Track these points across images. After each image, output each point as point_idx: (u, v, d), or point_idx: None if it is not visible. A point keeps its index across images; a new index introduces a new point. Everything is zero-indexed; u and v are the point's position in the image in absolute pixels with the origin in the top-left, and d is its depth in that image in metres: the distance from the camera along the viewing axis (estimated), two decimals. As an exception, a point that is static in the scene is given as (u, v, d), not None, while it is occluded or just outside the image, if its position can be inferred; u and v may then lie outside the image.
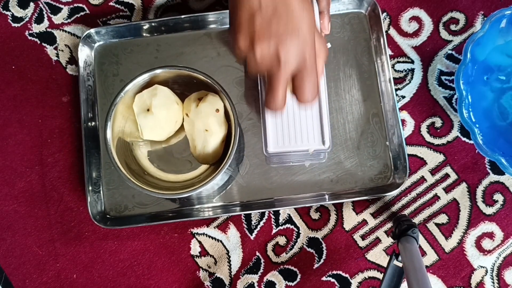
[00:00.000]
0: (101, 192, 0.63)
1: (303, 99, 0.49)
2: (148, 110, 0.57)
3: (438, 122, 0.64)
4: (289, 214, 0.63)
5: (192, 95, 0.59)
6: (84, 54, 0.65)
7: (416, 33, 0.66)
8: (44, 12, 0.69)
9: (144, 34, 0.66)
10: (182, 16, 0.65)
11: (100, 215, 0.62)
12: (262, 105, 0.58)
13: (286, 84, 0.48)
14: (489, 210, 0.62)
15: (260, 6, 0.46)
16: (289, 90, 0.50)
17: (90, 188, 0.62)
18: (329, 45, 0.58)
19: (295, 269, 0.62)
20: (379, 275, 0.62)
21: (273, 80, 0.47)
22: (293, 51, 0.46)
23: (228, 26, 0.62)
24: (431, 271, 0.62)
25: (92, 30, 0.64)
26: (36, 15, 0.69)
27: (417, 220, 0.63)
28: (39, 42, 0.68)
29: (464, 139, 0.64)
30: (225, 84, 0.58)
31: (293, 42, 0.46)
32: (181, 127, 0.61)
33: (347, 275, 0.62)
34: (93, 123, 0.64)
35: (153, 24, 0.65)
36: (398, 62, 0.66)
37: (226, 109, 0.58)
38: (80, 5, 0.69)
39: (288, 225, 0.63)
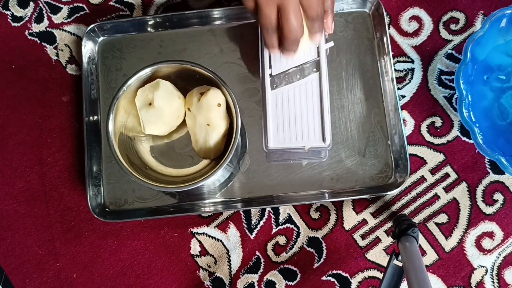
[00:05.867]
0: (101, 185, 0.63)
1: (311, 14, 0.51)
2: (150, 104, 0.57)
3: (438, 122, 0.64)
4: (289, 214, 0.63)
5: (194, 89, 0.59)
6: (88, 48, 0.65)
7: (416, 33, 0.66)
8: (44, 12, 0.69)
9: (148, 30, 0.66)
10: (186, 12, 0.65)
11: (99, 209, 0.62)
12: (263, 100, 0.58)
13: (300, 12, 0.50)
14: (489, 210, 0.62)
15: None
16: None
17: (90, 181, 0.62)
18: (332, 44, 0.58)
19: (295, 269, 0.62)
20: (379, 275, 0.62)
21: (286, 9, 0.49)
22: None
23: (232, 22, 0.65)
24: (431, 270, 0.62)
25: (96, 25, 0.64)
26: (36, 14, 0.69)
27: (417, 219, 0.63)
28: (39, 41, 0.68)
29: (464, 138, 0.64)
30: (228, 81, 0.58)
31: None
32: (183, 122, 0.61)
33: (347, 275, 0.62)
34: (95, 117, 0.64)
35: (157, 19, 0.65)
36: (398, 61, 0.66)
37: (228, 104, 0.58)
38: (80, 4, 0.69)
39: (288, 225, 0.63)
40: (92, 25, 0.64)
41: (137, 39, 0.66)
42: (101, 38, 0.66)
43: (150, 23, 0.65)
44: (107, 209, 0.62)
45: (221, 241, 0.63)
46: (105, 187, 0.63)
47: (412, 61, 0.66)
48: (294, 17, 0.50)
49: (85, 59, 0.65)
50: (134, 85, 0.58)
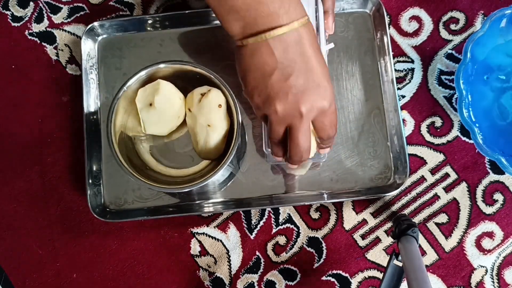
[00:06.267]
0: (101, 185, 0.63)
1: (321, 136, 0.51)
2: (150, 104, 0.57)
3: (438, 122, 0.64)
4: (289, 214, 0.63)
5: (195, 90, 0.59)
6: (87, 47, 0.65)
7: (416, 33, 0.66)
8: (44, 12, 0.69)
9: (148, 29, 0.66)
10: (187, 12, 0.65)
11: (99, 208, 0.62)
12: None
13: (310, 135, 0.50)
14: (489, 210, 0.62)
15: (277, 66, 0.46)
16: None
17: (90, 181, 0.62)
18: (332, 45, 0.58)
19: (295, 269, 0.62)
20: (379, 275, 0.62)
21: (295, 132, 0.49)
22: (314, 103, 0.47)
23: None
24: (431, 270, 0.62)
25: (96, 23, 0.64)
26: (36, 14, 0.69)
27: (417, 219, 0.63)
28: (39, 41, 0.68)
29: (464, 138, 0.64)
30: (228, 81, 0.58)
31: (314, 94, 0.47)
32: (184, 122, 0.61)
33: (347, 275, 0.62)
34: (94, 116, 0.64)
35: (157, 18, 0.65)
36: (398, 61, 0.66)
37: (228, 105, 0.58)
38: (80, 4, 0.69)
39: (288, 225, 0.63)
40: (92, 24, 0.64)
41: (137, 38, 0.66)
42: (100, 37, 0.66)
43: (150, 22, 0.65)
44: (107, 209, 0.62)
45: (221, 241, 0.63)
46: (105, 187, 0.63)
47: (412, 61, 0.65)
48: (302, 141, 0.49)
49: (84, 58, 0.65)
50: (135, 85, 0.58)
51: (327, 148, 0.54)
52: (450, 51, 0.65)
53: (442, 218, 0.62)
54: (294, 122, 0.48)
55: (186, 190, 0.56)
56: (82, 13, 0.69)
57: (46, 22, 0.68)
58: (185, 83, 0.60)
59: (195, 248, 0.63)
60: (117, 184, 0.63)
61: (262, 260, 0.63)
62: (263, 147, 0.57)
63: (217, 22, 0.65)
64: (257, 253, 0.63)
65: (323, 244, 0.63)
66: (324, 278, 0.62)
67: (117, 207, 0.63)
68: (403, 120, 0.64)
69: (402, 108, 0.65)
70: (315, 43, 0.48)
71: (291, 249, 0.63)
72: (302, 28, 0.46)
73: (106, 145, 0.62)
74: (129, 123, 0.60)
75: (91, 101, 0.64)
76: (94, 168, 0.62)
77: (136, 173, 0.56)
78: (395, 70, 0.65)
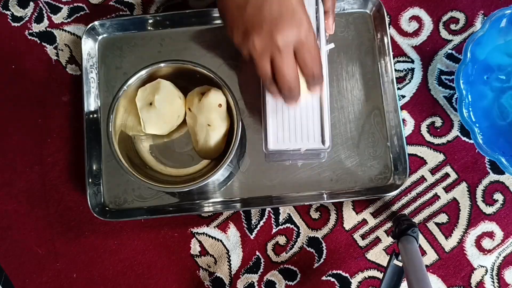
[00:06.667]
0: (101, 184, 0.63)
1: (306, 72, 0.49)
2: (151, 104, 0.57)
3: (438, 122, 0.64)
4: (289, 214, 0.63)
5: (195, 89, 0.59)
6: (88, 46, 0.65)
7: (416, 33, 0.66)
8: (44, 12, 0.69)
9: (148, 28, 0.66)
10: (187, 11, 0.65)
11: (99, 207, 0.62)
12: (263, 101, 0.58)
13: (294, 65, 0.48)
14: (489, 210, 0.62)
15: None
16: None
17: (90, 180, 0.62)
18: (332, 45, 0.58)
19: (295, 269, 0.62)
20: (379, 275, 0.62)
21: (277, 63, 0.48)
22: (290, 32, 0.46)
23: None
24: (431, 270, 0.62)
25: (96, 23, 0.64)
26: (36, 14, 0.69)
27: (417, 219, 0.63)
28: (39, 41, 0.68)
29: (464, 138, 0.64)
30: (228, 80, 0.58)
31: (288, 23, 0.46)
32: (184, 122, 0.61)
33: (347, 275, 0.62)
34: (95, 115, 0.64)
35: (157, 18, 0.65)
36: (398, 61, 0.66)
37: (228, 104, 0.58)
38: (80, 4, 0.69)
39: (288, 225, 0.63)
40: (92, 23, 0.64)
41: (138, 37, 0.66)
42: (101, 36, 0.66)
43: (150, 21, 0.65)
44: (106, 208, 0.62)
45: (221, 241, 0.63)
46: (105, 186, 0.63)
47: (412, 61, 0.65)
48: (286, 72, 0.48)
49: (85, 57, 0.65)
50: (135, 84, 0.58)
51: (317, 88, 0.53)
52: (450, 51, 0.65)
53: (442, 218, 0.62)
54: (274, 54, 0.47)
55: (186, 189, 0.56)
56: (82, 13, 0.69)
57: (46, 22, 0.68)
58: (185, 82, 0.60)
59: (195, 248, 0.63)
60: (117, 184, 0.63)
61: (262, 260, 0.63)
62: (263, 147, 0.57)
63: (218, 22, 0.65)
64: (257, 253, 0.63)
65: (323, 244, 0.63)
66: (324, 278, 0.62)
67: (117, 206, 0.63)
68: (403, 120, 0.64)
69: (402, 108, 0.65)
70: None
71: (291, 249, 0.63)
72: None
73: (106, 144, 0.62)
74: (129, 122, 0.60)
75: (91, 100, 0.64)
76: (94, 167, 0.63)
77: (136, 173, 0.56)
78: (395, 70, 0.65)
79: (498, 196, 0.63)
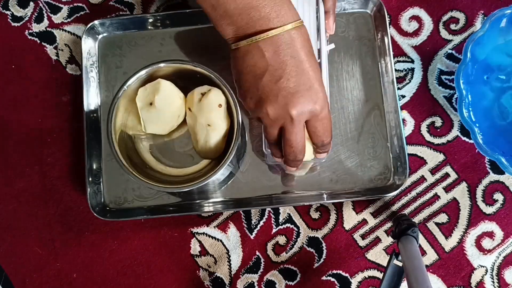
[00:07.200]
0: (101, 184, 0.63)
1: (316, 141, 0.51)
2: (151, 104, 0.57)
3: (438, 122, 0.64)
4: (289, 214, 0.63)
5: (195, 89, 0.59)
6: (88, 45, 0.65)
7: (416, 33, 0.66)
8: (44, 12, 0.69)
9: (149, 28, 0.66)
10: (187, 10, 0.65)
11: (99, 207, 0.62)
12: None
13: (303, 135, 0.50)
14: (489, 210, 0.62)
15: (267, 68, 0.47)
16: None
17: (90, 180, 0.62)
18: (333, 45, 0.58)
19: (295, 269, 0.62)
20: (379, 275, 0.62)
21: (287, 134, 0.49)
22: (305, 106, 0.47)
23: None
24: (431, 270, 0.62)
25: (96, 22, 0.64)
26: (36, 14, 0.69)
27: (417, 219, 0.63)
28: (39, 41, 0.68)
29: (464, 138, 0.64)
30: (228, 81, 0.58)
31: (304, 98, 0.47)
32: (184, 122, 0.61)
33: (347, 275, 0.62)
34: (95, 115, 0.64)
35: (158, 17, 0.65)
36: (398, 61, 0.66)
37: (229, 105, 0.58)
38: (80, 4, 0.69)
39: (288, 225, 0.63)
40: (92, 22, 0.64)
41: (138, 37, 0.66)
42: (101, 35, 0.66)
43: (151, 21, 0.65)
44: (106, 208, 0.62)
45: (221, 241, 0.63)
46: (105, 186, 0.63)
47: (412, 61, 0.65)
48: (294, 143, 0.49)
49: (85, 56, 0.65)
50: (135, 84, 0.58)
51: (323, 154, 0.54)
52: (450, 51, 0.65)
53: (442, 218, 0.62)
54: (285, 124, 0.48)
55: (186, 189, 0.56)
56: (82, 13, 0.69)
57: (46, 22, 0.68)
58: (186, 82, 0.60)
59: (195, 248, 0.63)
60: (117, 183, 0.63)
61: (262, 260, 0.63)
62: (262, 147, 0.57)
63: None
64: (257, 253, 0.63)
65: (323, 244, 0.63)
66: (324, 278, 0.62)
67: (117, 206, 0.63)
68: (403, 120, 0.64)
69: (402, 108, 0.65)
70: (308, 46, 0.48)
71: (291, 249, 0.63)
72: (294, 31, 0.46)
73: (106, 144, 0.62)
74: (129, 122, 0.60)
75: (91, 99, 0.64)
76: (94, 167, 0.63)
77: (136, 172, 0.56)
78: (395, 70, 0.65)
79: (498, 196, 0.63)
